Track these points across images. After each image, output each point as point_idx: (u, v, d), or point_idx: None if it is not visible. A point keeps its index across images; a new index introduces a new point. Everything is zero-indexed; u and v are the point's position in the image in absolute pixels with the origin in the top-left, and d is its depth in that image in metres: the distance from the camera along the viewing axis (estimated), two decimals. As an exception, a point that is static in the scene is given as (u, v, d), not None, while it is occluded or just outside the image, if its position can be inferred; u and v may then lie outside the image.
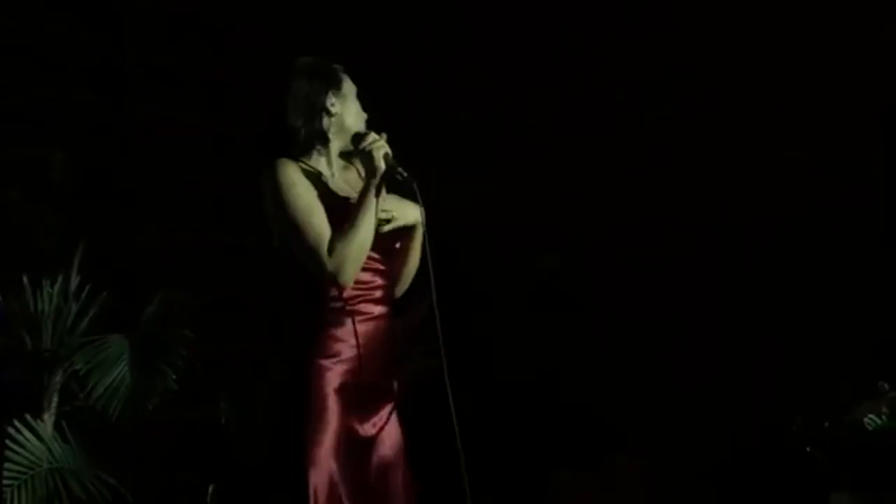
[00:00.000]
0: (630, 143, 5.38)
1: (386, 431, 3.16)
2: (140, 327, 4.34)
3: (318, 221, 3.06)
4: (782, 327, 5.09)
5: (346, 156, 3.21)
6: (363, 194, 3.08)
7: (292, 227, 3.04)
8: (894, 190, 5.06)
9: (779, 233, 5.15)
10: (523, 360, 5.49)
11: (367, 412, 3.12)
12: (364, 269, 3.10)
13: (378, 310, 3.15)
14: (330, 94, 3.16)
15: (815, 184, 5.08)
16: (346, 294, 3.08)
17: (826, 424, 3.91)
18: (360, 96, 3.26)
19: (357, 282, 3.09)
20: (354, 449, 3.06)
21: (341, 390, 3.05)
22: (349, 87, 3.21)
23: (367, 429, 3.11)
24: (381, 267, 3.17)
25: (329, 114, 3.15)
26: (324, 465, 2.98)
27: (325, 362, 3.05)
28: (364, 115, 3.24)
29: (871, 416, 3.81)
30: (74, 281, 4.30)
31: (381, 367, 3.15)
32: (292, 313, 3.14)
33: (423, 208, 3.16)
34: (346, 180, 3.21)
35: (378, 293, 3.15)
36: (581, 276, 5.44)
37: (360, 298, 3.11)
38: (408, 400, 3.28)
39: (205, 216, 5.54)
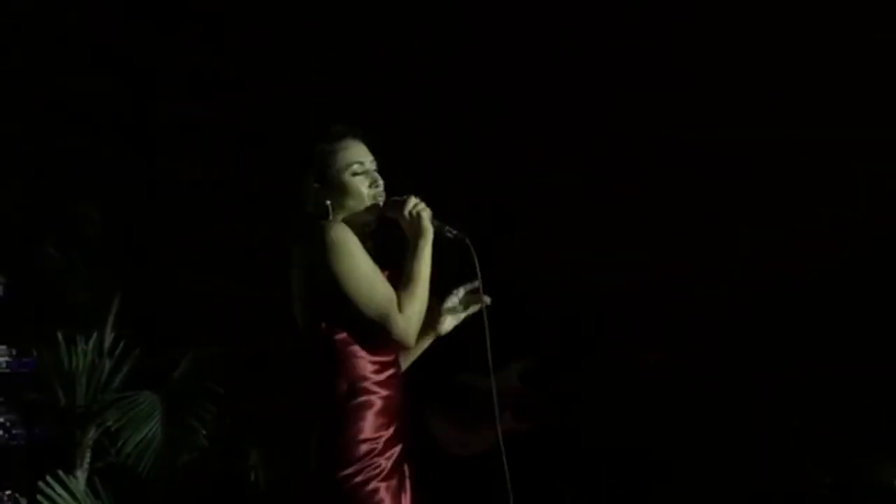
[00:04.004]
0: (660, 200, 5.38)
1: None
2: (172, 384, 4.37)
3: (383, 281, 3.00)
4: (813, 382, 5.06)
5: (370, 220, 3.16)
6: (417, 255, 3.04)
7: (361, 288, 2.95)
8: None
9: (810, 288, 5.14)
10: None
11: (403, 479, 3.08)
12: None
13: (398, 384, 3.08)
14: (313, 184, 3.10)
15: (846, 239, 5.07)
16: (377, 369, 3.01)
17: (854, 487, 3.89)
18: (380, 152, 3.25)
19: (383, 360, 3.04)
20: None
21: (388, 468, 2.96)
22: (343, 161, 3.11)
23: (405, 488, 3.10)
24: None
25: (318, 199, 3.10)
26: None
27: (369, 439, 2.95)
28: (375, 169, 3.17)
29: (900, 478, 3.80)
30: (109, 337, 4.33)
31: (406, 437, 3.09)
32: (325, 392, 2.99)
33: (478, 263, 3.09)
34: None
35: (396, 369, 3.09)
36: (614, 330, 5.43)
37: (391, 374, 3.04)
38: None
39: (238, 269, 5.54)
